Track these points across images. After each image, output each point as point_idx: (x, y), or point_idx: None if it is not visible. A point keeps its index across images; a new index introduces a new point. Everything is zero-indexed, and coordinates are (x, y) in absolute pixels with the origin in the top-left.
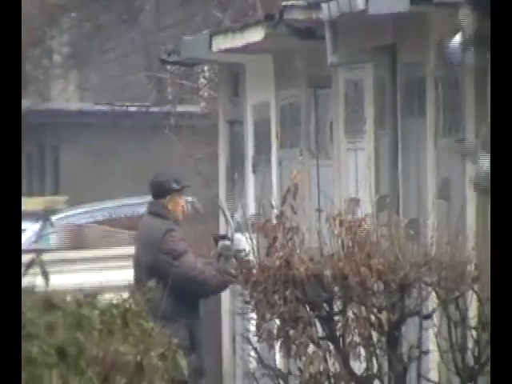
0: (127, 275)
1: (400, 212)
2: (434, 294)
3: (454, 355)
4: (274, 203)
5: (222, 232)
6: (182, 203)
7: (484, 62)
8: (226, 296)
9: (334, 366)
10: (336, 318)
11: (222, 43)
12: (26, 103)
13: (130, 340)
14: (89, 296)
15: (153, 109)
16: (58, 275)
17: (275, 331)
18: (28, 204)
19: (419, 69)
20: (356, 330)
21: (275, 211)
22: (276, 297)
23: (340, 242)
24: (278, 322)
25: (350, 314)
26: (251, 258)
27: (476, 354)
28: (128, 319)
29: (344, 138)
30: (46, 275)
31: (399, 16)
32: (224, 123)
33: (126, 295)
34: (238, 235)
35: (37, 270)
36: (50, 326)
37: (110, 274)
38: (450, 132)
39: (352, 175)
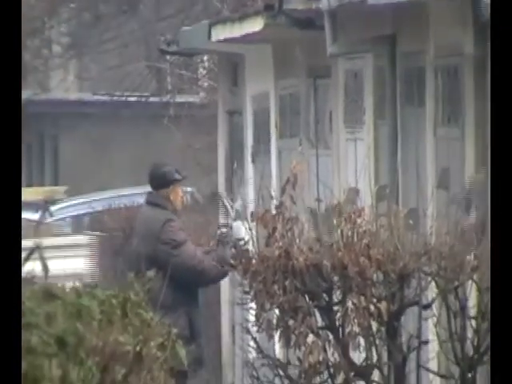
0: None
1: (399, 202)
2: (433, 283)
3: (453, 345)
4: (273, 193)
5: (221, 221)
6: (182, 193)
7: (483, 52)
8: (225, 286)
9: (333, 355)
10: (335, 308)
11: (221, 33)
12: (25, 93)
13: (129, 330)
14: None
15: (152, 99)
16: None
17: (274, 321)
18: (27, 194)
19: (419, 58)
20: (355, 320)
21: (274, 201)
22: (275, 287)
23: (339, 232)
24: (277, 312)
25: (349, 304)
26: (250, 247)
27: (475, 343)
28: (127, 309)
29: (343, 128)
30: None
31: (398, 6)
32: (223, 113)
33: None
34: (237, 223)
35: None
36: (49, 316)
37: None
38: (450, 122)
39: (351, 165)
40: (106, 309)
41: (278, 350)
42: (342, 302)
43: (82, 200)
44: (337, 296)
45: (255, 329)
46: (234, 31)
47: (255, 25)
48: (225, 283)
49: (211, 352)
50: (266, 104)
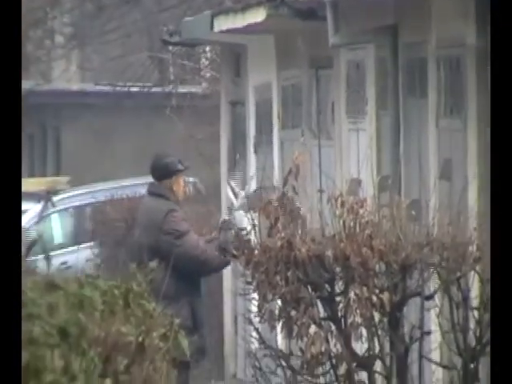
0: None
1: (402, 193)
2: (435, 274)
3: (455, 336)
4: (275, 184)
5: (224, 210)
6: (184, 184)
7: (486, 42)
8: (227, 276)
9: (335, 346)
10: (338, 298)
11: (223, 24)
12: (27, 84)
13: (131, 320)
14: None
15: (154, 89)
16: None
17: (277, 312)
18: (30, 185)
19: (421, 49)
20: (358, 311)
21: (277, 192)
22: (278, 277)
23: (342, 222)
24: (279, 302)
25: (351, 294)
26: (252, 237)
27: (478, 334)
28: (130, 300)
29: (345, 119)
30: (47, 255)
31: None
32: (226, 104)
33: None
34: (239, 212)
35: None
36: (51, 307)
37: None
38: (452, 113)
39: (354, 156)
40: (108, 299)
41: (281, 341)
42: (345, 293)
43: (84, 190)
44: (339, 287)
45: (257, 319)
46: (236, 22)
47: (257, 15)
48: (227, 274)
49: (213, 342)
50: (268, 95)
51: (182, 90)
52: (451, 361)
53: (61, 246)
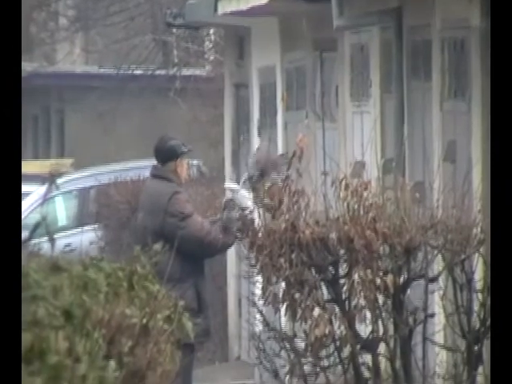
0: None
1: (406, 175)
2: (439, 256)
3: (459, 318)
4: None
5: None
6: (188, 166)
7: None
8: (231, 259)
9: (339, 328)
10: (342, 281)
11: (227, 6)
12: (31, 66)
13: (135, 303)
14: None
15: (158, 72)
16: None
17: (281, 294)
18: (34, 167)
19: (425, 31)
20: (362, 293)
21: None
22: (282, 260)
23: (346, 205)
24: (283, 285)
25: (355, 277)
26: (255, 217)
27: (482, 316)
28: (134, 282)
29: (350, 102)
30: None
31: None
32: (230, 86)
33: None
34: (242, 192)
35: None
36: (55, 289)
37: None
38: (456, 95)
39: (358, 138)
40: (113, 281)
41: (285, 323)
42: (348, 275)
43: (88, 173)
44: (343, 269)
45: (261, 302)
46: (240, 4)
47: None
48: (231, 256)
49: (217, 325)
50: (272, 77)
51: (186, 72)
52: (455, 343)
53: (65, 229)
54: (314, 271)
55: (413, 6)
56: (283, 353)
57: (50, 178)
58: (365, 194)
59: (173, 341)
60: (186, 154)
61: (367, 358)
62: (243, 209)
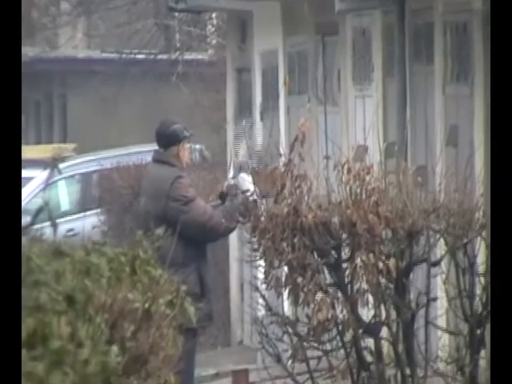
0: None
1: (408, 159)
2: (442, 240)
3: (462, 302)
4: (282, 151)
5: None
6: (189, 150)
7: None
8: (233, 243)
9: (341, 313)
10: (344, 265)
11: None
12: (33, 51)
13: (138, 287)
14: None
15: (160, 56)
16: None
17: (283, 278)
18: (36, 152)
19: (427, 15)
20: (364, 277)
21: (283, 158)
22: (284, 244)
23: (348, 189)
24: (285, 269)
25: (358, 261)
26: (255, 198)
27: (484, 300)
28: (136, 267)
29: (352, 86)
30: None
31: None
32: (232, 71)
33: None
34: (242, 175)
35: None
36: (58, 274)
37: None
38: (459, 79)
39: (360, 122)
40: (115, 266)
41: (287, 308)
42: (351, 260)
43: (90, 157)
44: (345, 253)
45: (264, 286)
46: None
47: None
48: (233, 241)
49: (220, 309)
50: (274, 61)
51: (188, 56)
52: (457, 327)
53: (67, 213)
54: (316, 255)
55: None
56: (286, 337)
57: (52, 163)
58: (367, 178)
59: (175, 325)
60: (188, 138)
61: (369, 342)
62: (244, 191)
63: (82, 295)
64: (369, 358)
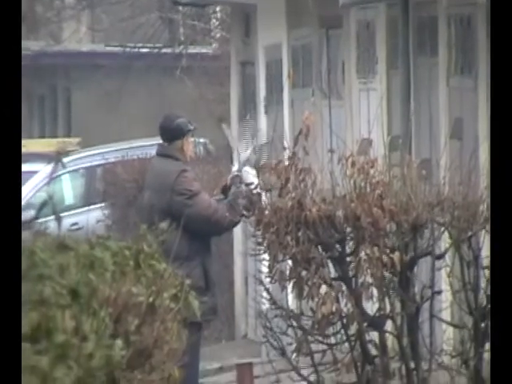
0: None
1: (412, 152)
2: (446, 233)
3: (466, 295)
4: (286, 144)
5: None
6: (193, 144)
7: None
8: (238, 237)
9: (346, 306)
10: (348, 258)
11: None
12: (38, 45)
13: (142, 281)
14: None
15: (164, 50)
16: None
17: (287, 272)
18: (40, 145)
19: (432, 7)
20: (368, 271)
21: (287, 152)
22: (288, 238)
23: (352, 182)
24: (290, 262)
25: (362, 254)
26: (259, 190)
27: (489, 293)
28: (140, 261)
29: (356, 79)
30: (58, 216)
31: None
32: (236, 64)
33: None
34: (246, 168)
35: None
36: (62, 267)
37: None
38: (463, 72)
39: (364, 116)
40: (119, 260)
41: (291, 301)
42: (355, 253)
43: (94, 151)
44: (350, 247)
45: (268, 280)
46: None
47: None
48: (238, 234)
49: (224, 303)
50: (278, 55)
51: (192, 50)
52: (462, 320)
53: (71, 207)
54: (320, 249)
55: None
56: (290, 331)
57: (56, 157)
58: (371, 171)
59: (179, 319)
60: (192, 131)
61: (374, 335)
62: (248, 184)
63: (86, 289)
64: (373, 352)
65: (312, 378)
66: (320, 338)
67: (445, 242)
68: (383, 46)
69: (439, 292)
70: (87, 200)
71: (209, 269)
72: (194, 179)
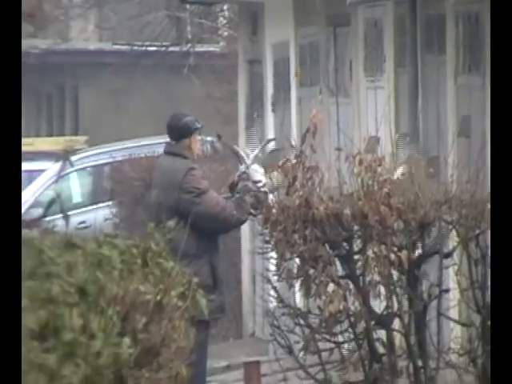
0: None
1: (420, 150)
2: (454, 232)
3: (474, 293)
4: (293, 142)
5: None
6: (201, 142)
7: None
8: (245, 235)
9: (353, 304)
10: (356, 256)
11: None
12: (45, 43)
13: (149, 279)
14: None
15: (172, 48)
16: None
17: (295, 270)
18: (48, 144)
19: (439, 5)
20: (376, 269)
21: (295, 150)
22: (296, 236)
23: (360, 180)
24: (297, 261)
25: (369, 252)
26: (266, 189)
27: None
28: (148, 259)
29: (363, 77)
30: (65, 215)
31: None
32: (243, 62)
33: None
34: (254, 166)
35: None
36: (70, 266)
37: None
38: (471, 69)
39: (372, 114)
40: (127, 258)
41: (299, 299)
42: (363, 251)
43: (102, 150)
44: (357, 245)
45: (276, 278)
46: None
47: None
48: (245, 232)
49: (232, 301)
50: (285, 53)
51: (200, 48)
52: (470, 318)
53: (79, 206)
54: (328, 247)
55: None
56: (297, 329)
57: (64, 155)
58: (379, 169)
59: (187, 317)
60: (199, 130)
61: (382, 333)
62: (255, 182)
63: (94, 287)
64: (381, 350)
65: (319, 376)
66: (327, 337)
67: (452, 240)
68: (391, 44)
69: (447, 290)
70: (95, 198)
71: (216, 267)
72: (202, 177)
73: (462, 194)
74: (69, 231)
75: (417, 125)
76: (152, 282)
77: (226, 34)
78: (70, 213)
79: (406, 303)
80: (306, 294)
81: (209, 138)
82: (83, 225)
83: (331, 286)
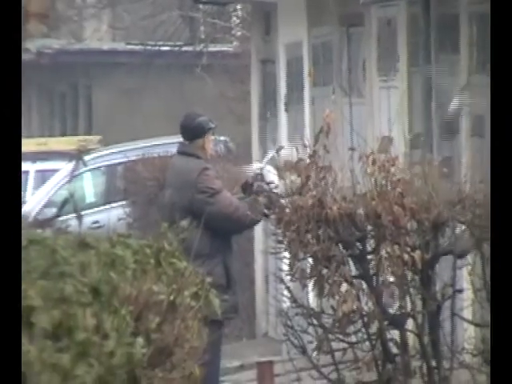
0: None
1: (434, 150)
2: (467, 232)
3: (487, 293)
4: (306, 142)
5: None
6: (213, 142)
7: None
8: (258, 235)
9: (367, 304)
10: (369, 256)
11: None
12: (59, 43)
13: (163, 279)
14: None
15: (185, 48)
16: None
17: (308, 270)
18: (61, 144)
19: (453, 5)
20: (389, 269)
21: (308, 150)
22: (309, 236)
23: (373, 180)
24: (310, 261)
25: (383, 252)
26: (280, 191)
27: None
28: (161, 259)
29: (377, 77)
30: (79, 214)
31: None
32: (256, 62)
33: None
34: (268, 167)
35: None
36: (83, 266)
37: None
38: (484, 69)
39: (385, 113)
40: (140, 258)
41: (312, 299)
42: (376, 251)
43: (115, 149)
44: (370, 245)
45: (289, 278)
46: None
47: None
48: (258, 232)
49: (245, 301)
50: (298, 53)
51: (213, 48)
52: (483, 318)
53: (92, 205)
54: (341, 247)
55: None
56: (311, 329)
57: (77, 155)
58: (392, 169)
59: (200, 317)
60: (212, 129)
61: (395, 333)
62: (269, 183)
63: (107, 287)
64: (394, 350)
65: (333, 376)
66: (341, 337)
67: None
68: (404, 44)
69: (460, 290)
70: (108, 198)
71: (230, 267)
72: (216, 177)
73: (475, 193)
74: (82, 231)
75: (430, 125)
76: (165, 282)
77: (239, 33)
78: (83, 212)
79: (419, 303)
80: (320, 294)
81: (222, 138)
82: (96, 224)
83: (344, 286)
